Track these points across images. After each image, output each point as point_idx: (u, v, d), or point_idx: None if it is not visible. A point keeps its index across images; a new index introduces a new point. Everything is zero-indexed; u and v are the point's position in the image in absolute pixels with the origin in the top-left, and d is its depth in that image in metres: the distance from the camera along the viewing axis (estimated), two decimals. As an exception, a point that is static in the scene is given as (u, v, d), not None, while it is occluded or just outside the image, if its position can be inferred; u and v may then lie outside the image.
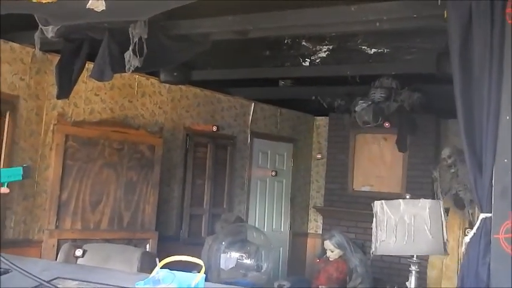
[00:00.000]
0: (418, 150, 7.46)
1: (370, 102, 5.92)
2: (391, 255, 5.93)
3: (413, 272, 2.97)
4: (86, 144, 5.26)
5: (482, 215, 2.08)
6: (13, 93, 4.73)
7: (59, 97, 4.25)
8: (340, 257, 5.03)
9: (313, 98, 6.91)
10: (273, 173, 7.73)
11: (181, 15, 3.78)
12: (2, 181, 1.60)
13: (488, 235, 2.01)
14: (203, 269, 2.02)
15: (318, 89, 6.89)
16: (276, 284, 5.18)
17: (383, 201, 2.95)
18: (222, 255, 4.98)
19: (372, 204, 3.06)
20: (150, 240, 5.57)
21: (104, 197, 5.36)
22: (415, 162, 7.50)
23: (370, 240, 7.00)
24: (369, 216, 7.52)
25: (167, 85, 6.15)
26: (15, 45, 4.74)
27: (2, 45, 4.63)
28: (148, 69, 4.36)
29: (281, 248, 7.77)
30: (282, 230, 7.90)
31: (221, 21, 3.79)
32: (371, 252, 3.04)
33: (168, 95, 6.25)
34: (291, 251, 8.01)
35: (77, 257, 4.61)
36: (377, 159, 7.82)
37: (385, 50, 5.19)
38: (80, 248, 4.67)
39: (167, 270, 1.99)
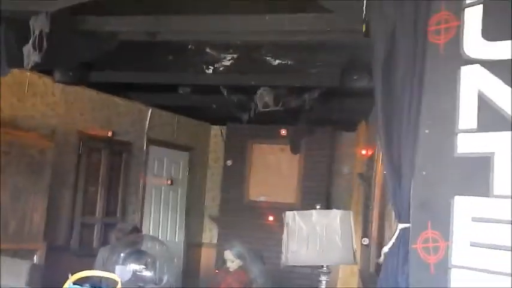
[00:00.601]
0: (314, 161, 7.68)
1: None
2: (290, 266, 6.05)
3: (324, 281, 3.00)
4: (-32, 145, 4.80)
5: (400, 225, 2.13)
6: None
7: None
8: (240, 267, 4.98)
9: (214, 106, 6.86)
10: (169, 182, 7.57)
11: (91, 11, 3.57)
12: None
13: (407, 245, 2.06)
14: (119, 285, 1.88)
15: (217, 97, 6.85)
16: (174, 296, 5.02)
17: (295, 211, 2.96)
18: (117, 266, 4.72)
19: (283, 215, 3.06)
20: (38, 251, 5.19)
21: (-13, 204, 4.91)
22: (310, 174, 7.71)
23: (267, 250, 7.13)
24: (265, 226, 7.66)
25: (61, 85, 5.79)
26: None
27: None
28: (49, 66, 4.07)
29: (175, 259, 7.59)
30: (177, 240, 7.75)
31: (131, 21, 3.63)
32: (281, 263, 3.03)
33: (61, 96, 5.90)
34: (186, 261, 7.86)
35: (-45, 271, 4.17)
36: (273, 169, 7.94)
37: (289, 62, 5.28)
38: (-41, 260, 4.23)
39: (78, 287, 1.83)
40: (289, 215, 2.93)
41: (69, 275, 1.69)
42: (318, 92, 5.89)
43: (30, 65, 3.25)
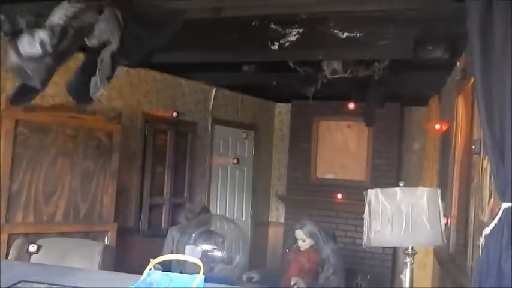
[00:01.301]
0: (383, 137, 7.41)
1: None
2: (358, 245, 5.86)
3: (409, 264, 2.80)
4: (38, 130, 4.84)
5: (504, 205, 1.91)
6: (-45, 73, 4.27)
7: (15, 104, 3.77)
8: (311, 246, 4.85)
9: (274, 83, 6.70)
10: (235, 161, 7.50)
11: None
12: None
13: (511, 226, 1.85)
14: (202, 270, 1.77)
15: (282, 75, 6.69)
16: (244, 277, 4.96)
17: (378, 189, 2.76)
18: (188, 247, 4.70)
19: (364, 193, 2.86)
20: (109, 232, 5.23)
21: (59, 187, 4.96)
22: (379, 150, 7.45)
23: (335, 228, 6.96)
24: (333, 204, 7.48)
25: (125, 68, 5.77)
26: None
27: None
28: (120, 64, 3.99)
29: (245, 238, 7.56)
30: (243, 219, 7.70)
31: (194, -3, 3.49)
32: (363, 243, 2.84)
33: (126, 79, 5.89)
34: (253, 240, 7.81)
35: (31, 253, 4.24)
36: (340, 147, 7.72)
37: (358, 35, 5.02)
38: (34, 243, 4.30)
39: (160, 271, 1.72)
40: (371, 193, 2.73)
41: (151, 259, 1.57)
42: (388, 61, 5.64)
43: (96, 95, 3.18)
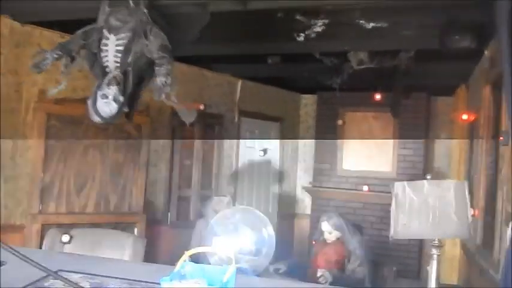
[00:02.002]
0: (409, 128, 7.36)
1: None
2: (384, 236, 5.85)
3: (435, 256, 2.80)
4: (69, 123, 4.96)
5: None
6: (-10, 67, 4.40)
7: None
8: (337, 239, 4.87)
9: (305, 75, 6.69)
10: (261, 153, 7.54)
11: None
12: None
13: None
14: (233, 262, 1.81)
15: (307, 66, 6.69)
16: (271, 268, 5.00)
17: (405, 182, 2.76)
18: (215, 238, 4.76)
19: (391, 186, 2.88)
20: (138, 224, 5.33)
21: (90, 179, 5.08)
22: (405, 141, 7.40)
23: (362, 220, 6.95)
24: (359, 196, 7.47)
25: (152, 62, 5.85)
26: (-7, 17, 4.39)
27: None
28: None
29: (273, 231, 7.60)
30: (270, 211, 7.74)
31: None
32: (390, 236, 2.86)
33: (153, 72, 5.95)
34: (279, 232, 7.84)
35: (64, 243, 4.36)
36: (367, 138, 7.69)
37: (384, 25, 5.00)
38: (67, 233, 4.42)
39: (193, 263, 1.76)
40: (398, 185, 2.74)
41: (185, 252, 1.61)
42: (414, 50, 5.60)
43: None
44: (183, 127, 6.32)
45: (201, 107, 6.42)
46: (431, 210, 2.67)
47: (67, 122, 4.92)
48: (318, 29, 5.34)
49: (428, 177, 2.88)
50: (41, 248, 4.45)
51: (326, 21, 5.12)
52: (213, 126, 6.72)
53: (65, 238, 4.35)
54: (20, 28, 4.61)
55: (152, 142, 5.68)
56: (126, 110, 3.37)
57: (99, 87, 3.29)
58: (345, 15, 4.94)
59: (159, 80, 3.20)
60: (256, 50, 5.95)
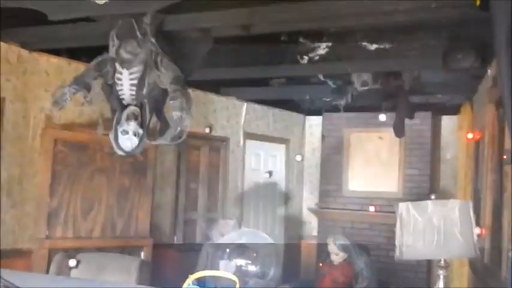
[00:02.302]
0: (414, 148, 7.36)
1: None
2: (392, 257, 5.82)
3: (442, 276, 2.79)
4: (76, 148, 5.00)
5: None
6: (-1, 95, 4.46)
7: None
8: (344, 260, 4.87)
9: (307, 97, 6.74)
10: (267, 175, 7.55)
11: (181, 10, 3.58)
12: None
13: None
14: (237, 285, 1.82)
15: (312, 88, 6.74)
16: (278, 290, 4.98)
17: (409, 202, 2.77)
18: (222, 261, 4.76)
19: (395, 206, 2.88)
20: (145, 247, 5.32)
21: (96, 203, 5.09)
22: (411, 161, 7.40)
23: (369, 241, 6.92)
24: (366, 217, 7.44)
25: (158, 86, 5.91)
26: (1, 44, 4.46)
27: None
28: None
29: (279, 253, 7.57)
30: (277, 233, 7.71)
31: (224, 15, 3.58)
32: (395, 257, 2.85)
33: (159, 96, 6.01)
34: (286, 254, 7.81)
35: (71, 268, 4.37)
36: (372, 158, 7.69)
37: (387, 46, 5.05)
38: (73, 258, 4.43)
39: (197, 287, 1.78)
40: (402, 206, 2.75)
41: (189, 275, 1.63)
42: (418, 70, 5.64)
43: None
44: (189, 150, 6.37)
45: (207, 130, 6.47)
46: (436, 230, 2.67)
47: (74, 147, 4.96)
48: (322, 52, 5.41)
49: (433, 197, 2.89)
50: (47, 272, 4.46)
51: (329, 43, 5.19)
52: (219, 148, 6.75)
53: (72, 263, 4.36)
54: (28, 55, 4.68)
55: (158, 166, 5.71)
56: (147, 141, 3.47)
57: (118, 122, 3.39)
58: (348, 37, 5.00)
59: (175, 114, 3.26)
60: (261, 73, 6.00)
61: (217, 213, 6.58)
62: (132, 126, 3.37)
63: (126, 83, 3.43)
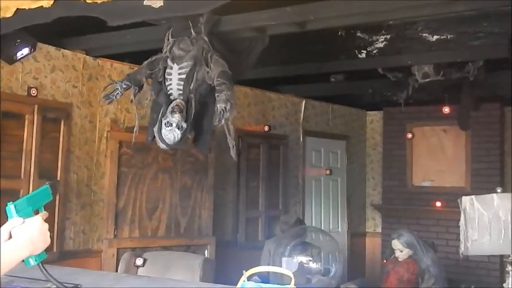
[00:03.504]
0: (482, 141, 7.10)
1: None
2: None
3: (511, 272, 2.68)
4: (140, 150, 5.13)
5: None
6: (66, 100, 4.65)
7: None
8: (409, 256, 4.74)
9: (370, 91, 6.63)
10: (328, 172, 7.49)
11: (236, 10, 3.61)
12: (36, 207, 1.39)
13: None
14: (293, 281, 1.82)
15: (371, 82, 6.64)
16: (342, 288, 4.94)
17: (473, 196, 2.68)
18: (284, 259, 4.77)
19: (459, 201, 2.79)
20: (208, 245, 5.42)
21: (160, 203, 5.23)
22: (479, 154, 7.14)
23: (436, 238, 6.73)
24: (432, 212, 7.25)
25: (217, 86, 5.99)
26: (67, 52, 4.66)
27: (54, 53, 4.56)
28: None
29: (341, 250, 7.50)
30: (340, 230, 7.64)
31: (279, 13, 3.58)
32: (460, 252, 2.77)
33: (218, 96, 6.09)
34: (350, 251, 7.73)
35: (138, 266, 4.50)
36: (437, 152, 7.48)
37: (449, 36, 4.89)
38: (140, 256, 4.56)
39: (253, 283, 1.79)
40: (466, 200, 2.66)
41: (243, 272, 1.64)
42: (483, 60, 5.42)
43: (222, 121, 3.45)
44: (249, 149, 6.42)
45: (266, 128, 6.49)
46: (503, 224, 2.57)
47: (138, 149, 5.10)
48: (380, 45, 5.31)
49: (499, 190, 2.78)
50: (117, 271, 4.62)
51: (388, 36, 5.09)
52: (278, 146, 6.76)
53: (139, 261, 4.49)
54: (93, 62, 4.87)
55: (219, 165, 5.79)
56: (190, 136, 3.49)
57: (163, 115, 3.44)
58: (407, 29, 4.88)
59: (219, 106, 3.30)
60: (319, 69, 5.97)
61: (278, 210, 6.59)
62: (176, 118, 3.38)
63: (175, 77, 3.48)
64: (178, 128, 3.39)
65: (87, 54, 4.80)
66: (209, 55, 3.46)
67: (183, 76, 3.45)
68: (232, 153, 3.58)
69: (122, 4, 2.62)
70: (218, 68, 3.41)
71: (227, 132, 3.47)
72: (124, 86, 3.69)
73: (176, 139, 3.43)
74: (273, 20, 3.66)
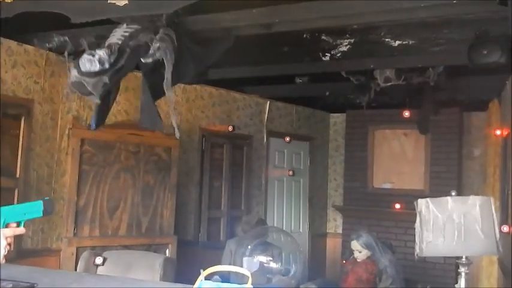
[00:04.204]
0: (441, 144, 7.28)
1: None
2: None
3: (463, 273, 2.78)
4: (102, 148, 5.09)
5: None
6: (28, 97, 4.56)
7: (96, 127, 4.03)
8: (368, 257, 4.84)
9: (327, 94, 6.73)
10: (290, 173, 7.56)
11: (202, 11, 3.62)
12: (18, 220, 1.35)
13: None
14: (250, 280, 1.84)
15: (335, 85, 6.72)
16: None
17: (428, 199, 2.76)
18: (245, 258, 4.80)
19: (415, 203, 2.87)
20: (169, 245, 5.40)
21: (122, 202, 5.19)
22: (438, 158, 7.32)
23: (395, 239, 6.87)
24: (391, 214, 7.40)
25: (182, 85, 5.97)
26: (30, 48, 4.57)
27: (16, 48, 4.47)
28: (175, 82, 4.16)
29: (301, 250, 7.58)
30: (301, 230, 7.73)
31: (245, 15, 3.60)
32: (416, 254, 2.85)
33: (182, 96, 6.09)
34: (311, 252, 7.82)
35: (97, 265, 4.46)
36: (398, 155, 7.64)
37: (411, 42, 5.00)
38: (100, 255, 4.52)
39: (211, 282, 1.81)
40: (421, 202, 2.74)
41: (201, 271, 1.66)
42: (443, 66, 5.56)
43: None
44: (212, 148, 6.43)
45: (230, 128, 6.51)
46: (456, 227, 2.66)
47: (100, 147, 5.05)
48: (344, 48, 5.39)
49: (453, 193, 2.87)
50: (76, 270, 4.56)
51: (352, 40, 5.16)
52: (242, 146, 6.79)
53: (98, 260, 4.45)
54: (56, 58, 4.78)
55: (182, 164, 5.78)
56: (101, 90, 3.20)
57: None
58: (371, 34, 4.97)
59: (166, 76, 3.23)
60: (284, 71, 6.01)
61: (241, 210, 6.62)
62: (104, 53, 3.10)
63: (119, 32, 3.27)
64: (99, 62, 3.09)
65: (50, 51, 4.72)
66: (161, 30, 3.33)
67: (127, 33, 3.26)
68: (176, 132, 3.51)
69: (87, 2, 2.60)
70: (165, 42, 3.30)
71: (171, 108, 3.39)
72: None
73: (90, 70, 3.08)
74: (239, 21, 3.68)
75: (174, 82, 3.48)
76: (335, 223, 8.19)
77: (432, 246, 2.74)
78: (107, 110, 3.92)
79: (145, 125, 3.80)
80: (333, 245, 8.05)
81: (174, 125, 3.55)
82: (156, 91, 3.55)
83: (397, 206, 7.35)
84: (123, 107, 5.42)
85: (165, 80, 3.30)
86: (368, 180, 7.76)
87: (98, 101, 3.28)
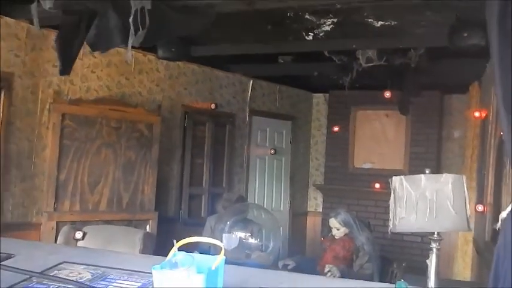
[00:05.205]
0: (422, 126, 7.37)
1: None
2: (397, 234, 5.87)
3: (434, 249, 2.83)
4: (83, 123, 5.09)
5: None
6: (8, 70, 4.53)
7: (62, 73, 3.98)
8: (346, 235, 4.91)
9: (315, 74, 6.74)
10: (272, 151, 7.61)
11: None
12: None
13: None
14: (223, 251, 1.88)
15: (318, 65, 6.73)
16: (280, 264, 5.06)
17: (402, 176, 2.80)
18: (224, 234, 4.85)
19: (390, 180, 2.92)
20: (150, 221, 5.45)
21: (103, 177, 5.21)
22: (418, 139, 7.42)
23: (374, 218, 6.98)
24: (371, 193, 7.50)
25: (165, 62, 5.96)
26: (10, 20, 4.53)
27: (-5, 20, 4.43)
28: (149, 43, 4.12)
29: (281, 227, 7.66)
30: (282, 209, 7.81)
31: (227, -9, 3.60)
32: (389, 230, 2.90)
33: (165, 72, 6.07)
34: (291, 230, 7.92)
35: (77, 240, 4.47)
36: (378, 136, 7.72)
37: (393, 23, 5.03)
38: (80, 230, 4.53)
39: (184, 252, 1.84)
40: (395, 180, 2.78)
41: (174, 242, 1.70)
42: (424, 48, 5.60)
43: (130, 44, 3.27)
44: (195, 126, 6.44)
45: (213, 106, 6.52)
46: (428, 203, 2.70)
47: (81, 122, 5.05)
48: (327, 28, 5.41)
49: (427, 171, 2.92)
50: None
51: (335, 20, 5.18)
52: (225, 124, 6.81)
53: (78, 235, 4.45)
54: (37, 31, 4.73)
55: (164, 141, 5.79)
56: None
57: None
58: (354, 14, 4.99)
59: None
60: (266, 49, 6.01)
61: (222, 188, 6.67)
62: None
63: None
64: None
65: (31, 24, 4.67)
66: None
67: None
68: (128, 56, 3.43)
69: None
70: None
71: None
72: None
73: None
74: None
75: (147, 42, 3.39)
76: (315, 202, 8.29)
77: (405, 222, 2.79)
78: (73, 55, 3.81)
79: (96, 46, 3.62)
80: (313, 223, 8.15)
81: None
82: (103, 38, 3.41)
83: (377, 185, 7.45)
84: (105, 83, 5.40)
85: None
86: (349, 160, 7.84)
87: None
